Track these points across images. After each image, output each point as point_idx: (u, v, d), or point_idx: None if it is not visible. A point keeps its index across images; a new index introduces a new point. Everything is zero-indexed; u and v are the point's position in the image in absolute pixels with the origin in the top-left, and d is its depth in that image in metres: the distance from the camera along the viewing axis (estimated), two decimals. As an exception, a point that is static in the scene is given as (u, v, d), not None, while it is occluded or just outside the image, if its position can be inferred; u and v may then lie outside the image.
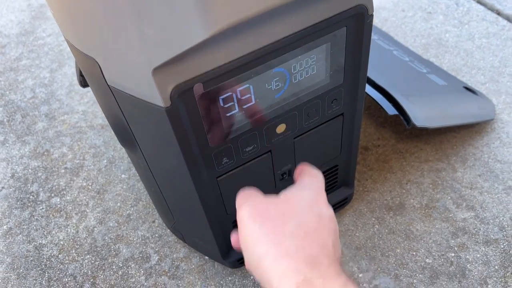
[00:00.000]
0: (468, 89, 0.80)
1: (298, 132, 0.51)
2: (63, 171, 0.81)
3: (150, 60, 0.35)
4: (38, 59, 1.06)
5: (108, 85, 0.41)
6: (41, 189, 0.79)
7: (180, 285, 0.64)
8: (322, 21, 0.40)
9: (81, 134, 0.87)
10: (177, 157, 0.44)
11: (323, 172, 0.60)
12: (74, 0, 0.36)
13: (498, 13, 1.01)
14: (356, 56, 0.46)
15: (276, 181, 0.56)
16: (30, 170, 0.82)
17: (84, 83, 0.58)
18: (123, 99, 0.41)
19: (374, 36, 0.85)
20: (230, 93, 0.41)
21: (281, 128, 0.49)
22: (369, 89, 0.63)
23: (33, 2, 1.24)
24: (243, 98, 0.43)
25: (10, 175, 0.82)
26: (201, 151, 0.45)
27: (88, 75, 0.45)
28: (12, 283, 0.67)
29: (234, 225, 0.58)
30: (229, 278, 0.64)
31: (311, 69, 0.45)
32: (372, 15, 0.44)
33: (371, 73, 0.63)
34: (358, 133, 0.58)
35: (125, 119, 0.45)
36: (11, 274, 0.68)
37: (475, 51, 0.92)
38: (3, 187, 0.80)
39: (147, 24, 0.33)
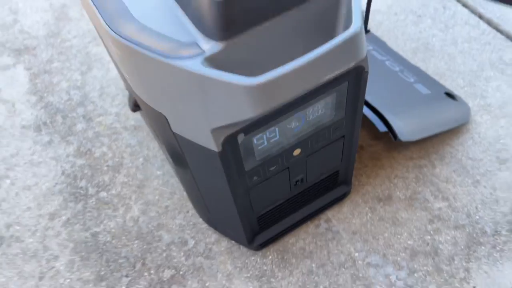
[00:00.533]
0: (449, 94, 0.94)
1: (309, 152, 0.66)
2: (105, 168, 0.96)
3: (210, 124, 0.49)
4: (68, 61, 1.18)
5: (172, 131, 0.55)
6: (89, 184, 0.94)
7: (214, 263, 0.81)
8: (331, 80, 0.54)
9: (117, 135, 1.01)
10: (222, 181, 0.58)
11: (326, 177, 0.75)
12: (150, 74, 0.50)
13: (480, 16, 1.13)
14: (355, 99, 0.60)
15: (291, 187, 0.71)
16: (77, 168, 0.97)
17: (134, 110, 0.71)
18: (184, 142, 0.55)
19: (369, 47, 0.98)
20: (261, 135, 0.56)
21: (296, 152, 0.64)
22: (364, 109, 0.77)
23: (54, 1, 1.34)
24: (271, 136, 0.57)
25: (60, 172, 0.97)
26: (239, 175, 0.59)
27: (152, 119, 0.59)
28: (77, 264, 0.84)
29: (258, 219, 0.74)
30: (252, 258, 0.81)
31: (321, 110, 0.59)
32: (367, 72, 0.57)
33: (366, 93, 0.77)
34: (356, 147, 0.73)
35: (182, 152, 0.59)
36: (75, 257, 0.85)
37: (457, 56, 1.05)
38: (56, 183, 0.95)
39: (211, 102, 0.47)
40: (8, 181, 0.97)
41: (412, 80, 0.92)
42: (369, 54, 0.95)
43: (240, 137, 0.53)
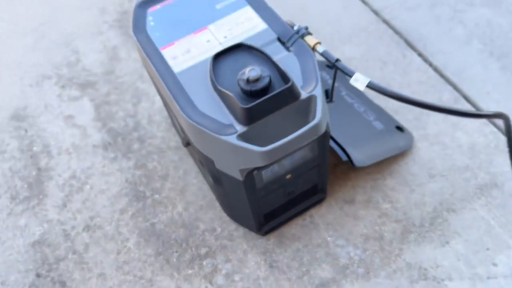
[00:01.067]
0: (399, 127, 1.34)
1: (296, 176, 1.06)
2: (157, 177, 1.37)
3: (239, 166, 0.90)
4: (122, 94, 1.57)
5: (215, 167, 0.96)
6: (146, 189, 1.35)
7: (234, 244, 1.22)
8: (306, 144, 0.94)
9: (163, 153, 1.42)
10: (243, 194, 0.99)
11: (308, 189, 1.16)
12: (206, 140, 0.90)
13: (430, 64, 1.52)
14: (323, 145, 1.00)
15: (286, 195, 1.12)
16: (136, 177, 1.38)
17: (186, 146, 1.11)
18: (223, 173, 0.96)
19: (343, 92, 1.37)
20: (267, 169, 0.96)
21: (288, 176, 1.04)
22: (331, 143, 1.16)
23: (107, 44, 1.73)
24: (272, 169, 0.97)
25: (124, 180, 1.37)
26: (253, 191, 1.00)
27: (202, 157, 0.99)
28: (142, 244, 1.25)
29: (264, 215, 1.15)
30: (260, 240, 1.22)
31: (302, 153, 0.99)
32: (329, 132, 0.97)
33: (333, 131, 1.16)
34: (327, 169, 1.13)
35: (219, 177, 0.99)
36: (140, 239, 1.26)
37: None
38: (122, 188, 1.36)
39: (240, 157, 0.87)
40: (88, 186, 1.38)
41: (371, 118, 1.32)
42: (342, 99, 1.34)
43: (255, 172, 0.93)
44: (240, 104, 0.83)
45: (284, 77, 0.87)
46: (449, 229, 1.20)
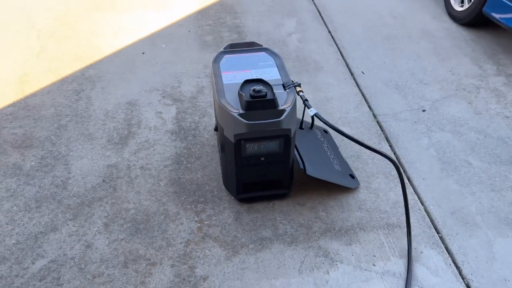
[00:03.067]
0: (352, 175, 2.00)
1: (267, 163, 1.78)
2: (194, 156, 2.15)
3: (234, 132, 1.66)
4: (195, 111, 2.45)
5: (224, 134, 1.73)
6: (184, 160, 2.13)
7: (220, 202, 1.91)
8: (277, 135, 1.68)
9: (204, 146, 2.21)
10: (233, 159, 1.73)
11: (274, 181, 1.85)
12: (225, 116, 1.69)
13: (382, 128, 2.19)
14: (287, 145, 1.73)
15: (259, 176, 1.83)
16: (182, 153, 2.17)
17: (215, 129, 1.90)
18: (225, 138, 1.72)
19: (321, 139, 2.09)
20: (249, 144, 1.70)
21: (262, 158, 1.76)
22: (296, 153, 1.87)
23: (199, 83, 2.68)
24: (253, 147, 1.72)
25: (175, 152, 2.17)
26: (239, 157, 1.73)
27: (219, 131, 1.77)
28: (168, 185, 2.00)
29: (243, 185, 1.85)
30: (236, 205, 1.90)
31: (273, 145, 1.73)
32: (289, 136, 1.71)
33: (301, 149, 1.88)
34: (287, 171, 1.82)
35: (223, 143, 1.76)
36: (168, 183, 2.01)
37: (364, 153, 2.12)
38: (172, 155, 2.16)
39: (236, 126, 1.64)
40: (152, 148, 2.20)
41: (335, 162, 2.00)
42: (317, 139, 2.06)
43: (242, 142, 1.69)
44: (245, 99, 1.63)
45: (274, 96, 1.66)
46: (354, 239, 1.78)
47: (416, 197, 1.97)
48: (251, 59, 1.94)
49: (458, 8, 3.29)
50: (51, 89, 2.60)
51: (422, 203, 1.94)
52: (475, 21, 3.16)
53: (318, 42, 3.07)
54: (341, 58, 2.91)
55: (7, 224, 1.85)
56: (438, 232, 1.82)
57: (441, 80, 2.71)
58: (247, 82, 1.75)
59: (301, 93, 1.78)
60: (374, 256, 1.72)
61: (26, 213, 1.89)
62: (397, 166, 1.66)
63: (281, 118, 1.63)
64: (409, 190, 1.99)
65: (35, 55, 2.90)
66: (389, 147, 2.22)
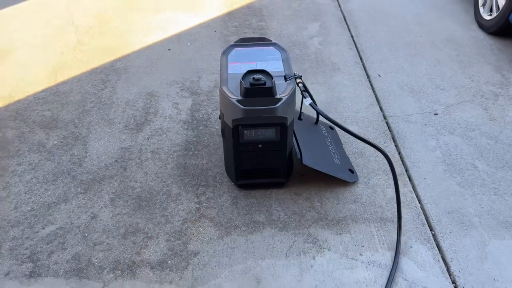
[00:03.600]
0: (351, 170, 2.03)
1: (264, 150, 1.85)
2: (202, 144, 2.25)
3: (232, 117, 1.75)
4: (210, 103, 2.56)
5: (224, 120, 1.82)
6: (193, 147, 2.24)
7: (221, 187, 2.00)
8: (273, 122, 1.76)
9: (213, 136, 2.31)
10: (231, 144, 1.82)
11: (272, 168, 1.92)
12: (225, 103, 1.78)
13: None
14: (283, 134, 1.80)
15: (257, 163, 1.90)
16: (192, 140, 2.28)
17: (220, 117, 2.00)
18: (226, 124, 1.81)
19: (325, 134, 2.13)
20: (247, 130, 1.78)
21: (260, 145, 1.84)
22: (294, 142, 1.92)
23: (218, 78, 2.79)
24: (251, 133, 1.79)
25: (185, 139, 2.29)
26: (238, 143, 1.82)
27: (222, 119, 1.87)
28: (174, 169, 2.11)
29: (241, 171, 1.93)
30: (235, 190, 1.98)
31: (270, 133, 1.80)
32: (286, 125, 1.77)
33: (301, 139, 1.94)
34: (285, 160, 1.89)
35: (224, 129, 1.85)
36: (175, 166, 2.13)
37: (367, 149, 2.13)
38: (182, 142, 2.27)
39: (234, 111, 1.73)
40: (165, 135, 2.32)
41: (335, 156, 2.04)
42: (321, 133, 2.11)
43: (240, 128, 1.77)
44: (244, 86, 1.72)
45: (272, 85, 1.74)
46: (345, 229, 1.81)
47: (414, 195, 1.97)
48: (258, 53, 2.03)
49: (486, 17, 3.25)
50: (80, 78, 2.80)
51: (419, 201, 1.94)
52: (502, 30, 3.10)
53: (339, 45, 3.11)
54: (359, 61, 2.94)
55: (25, 193, 2.02)
56: (431, 230, 1.81)
57: (459, 86, 2.68)
58: (250, 72, 1.84)
59: (300, 84, 1.85)
60: (362, 246, 1.74)
61: (43, 184, 2.06)
62: (388, 158, 1.69)
63: (276, 105, 1.71)
64: (408, 188, 2.00)
65: (71, 48, 3.13)
66: (394, 147, 2.23)
